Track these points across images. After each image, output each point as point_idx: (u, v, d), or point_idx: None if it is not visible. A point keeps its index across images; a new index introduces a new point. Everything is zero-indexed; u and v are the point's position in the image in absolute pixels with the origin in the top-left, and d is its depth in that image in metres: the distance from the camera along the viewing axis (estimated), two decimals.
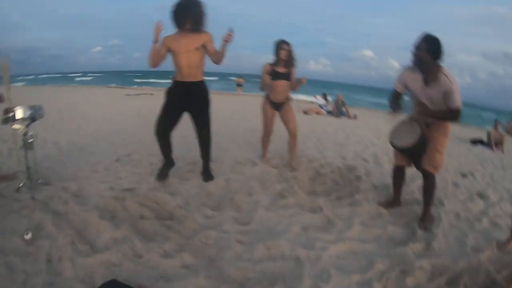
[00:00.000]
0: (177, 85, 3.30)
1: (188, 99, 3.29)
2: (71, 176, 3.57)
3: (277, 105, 4.06)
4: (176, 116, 3.34)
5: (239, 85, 20.96)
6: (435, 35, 2.54)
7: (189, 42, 3.14)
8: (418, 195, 3.43)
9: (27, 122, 2.86)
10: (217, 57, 3.16)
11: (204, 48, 3.19)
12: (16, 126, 2.87)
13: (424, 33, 2.58)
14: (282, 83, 3.92)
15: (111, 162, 4.14)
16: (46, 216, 2.58)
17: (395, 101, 2.85)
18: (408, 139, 2.70)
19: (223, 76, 38.92)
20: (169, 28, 3.18)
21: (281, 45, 3.85)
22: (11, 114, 2.78)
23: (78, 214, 2.66)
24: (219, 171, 3.80)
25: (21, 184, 3.11)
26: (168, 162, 3.52)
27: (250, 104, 12.18)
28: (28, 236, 2.27)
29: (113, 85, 28.52)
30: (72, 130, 6.14)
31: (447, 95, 2.55)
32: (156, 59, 3.14)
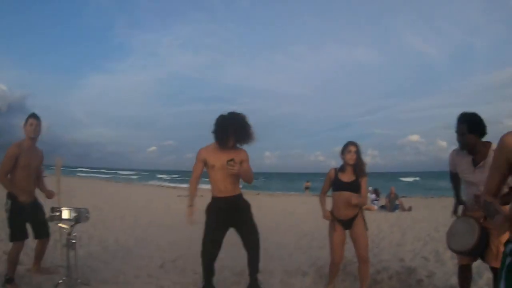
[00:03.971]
0: (217, 201, 3.13)
1: (231, 214, 3.11)
2: (112, 279, 3.47)
3: (345, 223, 3.14)
4: (221, 236, 3.13)
5: (307, 188, 22.19)
6: (471, 111, 2.40)
7: (228, 159, 2.96)
8: None
9: (71, 223, 2.91)
10: (249, 177, 3.09)
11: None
12: (61, 225, 2.95)
13: (460, 114, 2.44)
14: (346, 196, 3.04)
15: (155, 268, 3.97)
16: None
17: (455, 183, 2.81)
18: (468, 241, 2.40)
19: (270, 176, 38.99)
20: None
21: (347, 147, 3.09)
22: (57, 214, 2.87)
23: None
24: (267, 283, 3.43)
25: (60, 281, 3.05)
26: (208, 286, 3.17)
27: (304, 205, 12.08)
28: None
29: (165, 183, 29.97)
30: (120, 229, 6.18)
31: None
32: (195, 184, 3.18)
